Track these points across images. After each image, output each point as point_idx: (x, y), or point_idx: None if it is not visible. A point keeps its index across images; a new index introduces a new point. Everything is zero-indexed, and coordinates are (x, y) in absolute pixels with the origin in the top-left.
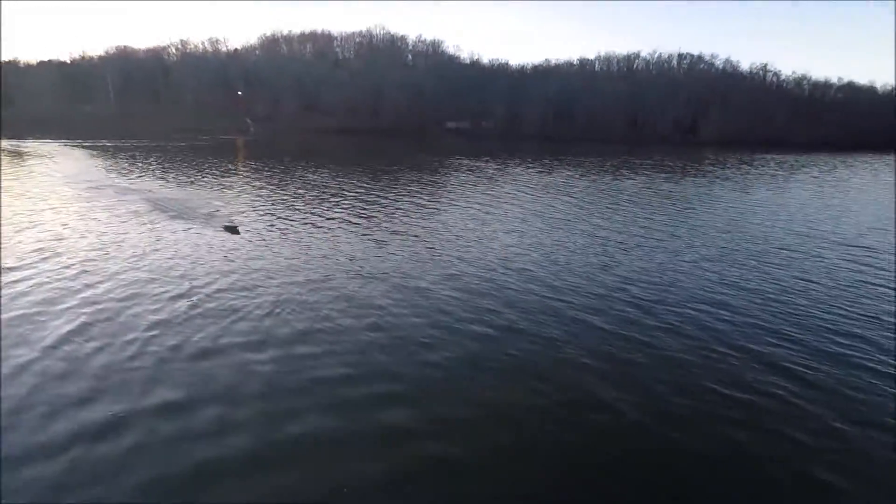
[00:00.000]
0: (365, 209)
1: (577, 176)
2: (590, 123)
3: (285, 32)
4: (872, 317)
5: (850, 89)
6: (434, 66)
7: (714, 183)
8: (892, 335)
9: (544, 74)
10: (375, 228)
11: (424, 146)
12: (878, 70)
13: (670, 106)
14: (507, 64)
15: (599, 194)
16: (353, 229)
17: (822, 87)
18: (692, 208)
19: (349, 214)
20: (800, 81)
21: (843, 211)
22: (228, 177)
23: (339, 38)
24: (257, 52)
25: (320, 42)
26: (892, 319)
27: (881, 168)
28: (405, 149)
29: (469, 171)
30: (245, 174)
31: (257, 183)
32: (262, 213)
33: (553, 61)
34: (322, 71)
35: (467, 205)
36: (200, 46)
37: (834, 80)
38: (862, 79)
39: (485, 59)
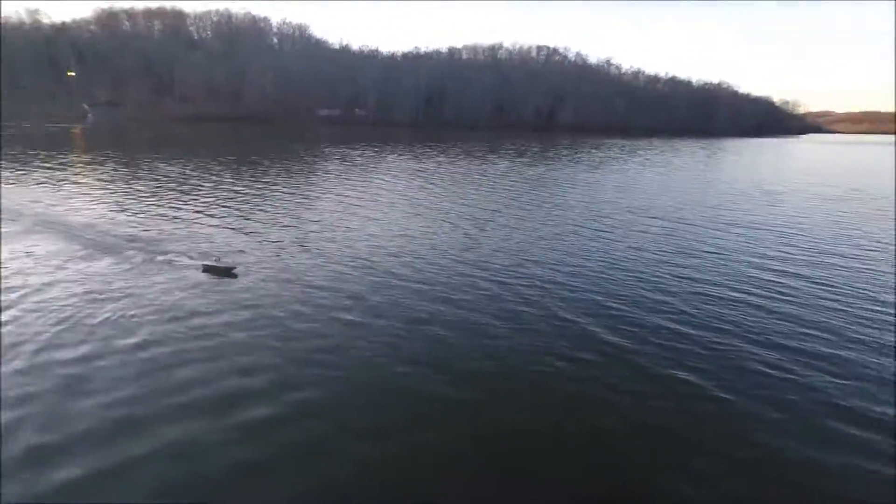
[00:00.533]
0: (228, 202)
1: (447, 162)
2: (459, 111)
3: (126, 7)
4: (685, 278)
5: (673, 83)
6: (302, 50)
7: (568, 166)
8: (704, 296)
9: (415, 62)
10: (241, 222)
11: (295, 134)
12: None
13: (532, 94)
14: (377, 51)
15: (467, 179)
16: (214, 224)
17: (653, 80)
18: (549, 190)
19: (209, 209)
20: (636, 74)
21: (666, 189)
22: (56, 171)
23: (192, 16)
24: (92, 27)
25: (170, 19)
26: (703, 277)
27: (696, 150)
28: (274, 137)
29: (342, 159)
30: (79, 169)
31: (95, 178)
32: (96, 213)
33: (423, 49)
34: (175, 52)
35: (339, 194)
36: (14, 16)
37: (662, 74)
38: (683, 74)
39: (354, 46)
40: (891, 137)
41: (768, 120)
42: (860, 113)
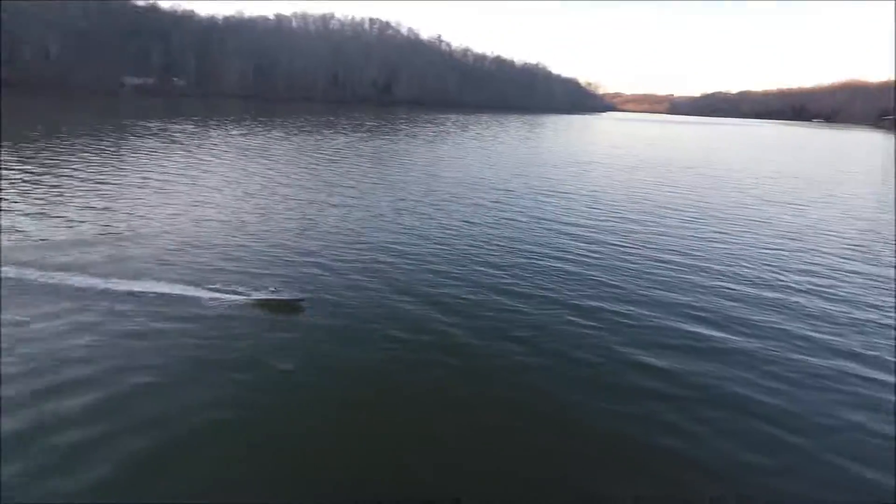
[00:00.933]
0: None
1: (281, 137)
2: (292, 82)
3: None
4: (512, 248)
5: (499, 62)
6: (95, 6)
7: (405, 140)
8: (528, 262)
9: (238, 28)
10: (28, 210)
11: (96, 105)
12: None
13: (367, 67)
14: (192, 13)
15: (303, 156)
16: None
17: (481, 58)
18: (387, 165)
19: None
20: (465, 52)
21: (496, 161)
22: None
23: None
24: None
25: None
26: (527, 247)
27: (520, 125)
28: (66, 109)
29: (158, 135)
30: None
31: None
32: None
33: (247, 14)
34: None
35: (155, 177)
36: None
37: (489, 53)
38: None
39: (165, 5)
40: (664, 116)
41: (576, 99)
42: (642, 95)
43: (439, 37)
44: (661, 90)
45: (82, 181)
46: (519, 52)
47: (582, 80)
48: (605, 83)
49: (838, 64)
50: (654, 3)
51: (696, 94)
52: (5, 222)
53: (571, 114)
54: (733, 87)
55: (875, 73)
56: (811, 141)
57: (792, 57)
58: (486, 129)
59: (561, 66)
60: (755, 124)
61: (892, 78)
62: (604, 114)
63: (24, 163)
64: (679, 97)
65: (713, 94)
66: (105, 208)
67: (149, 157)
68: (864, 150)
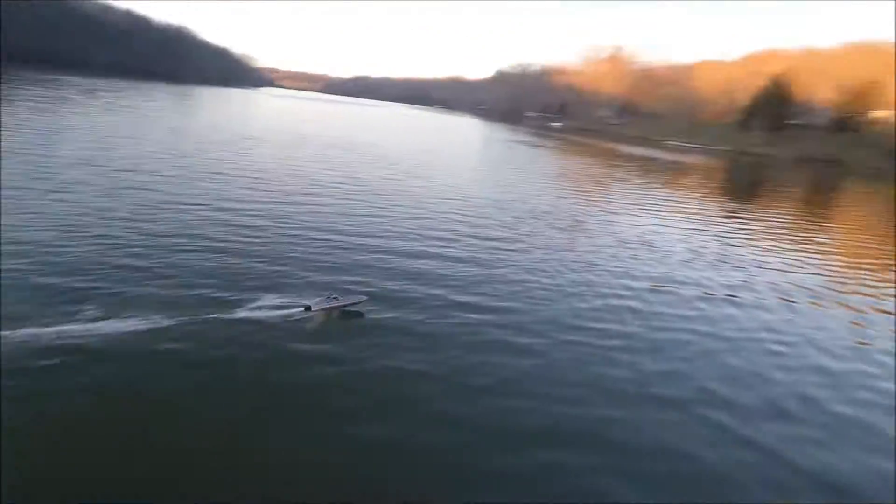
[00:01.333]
0: None
1: None
2: None
3: None
4: (158, 245)
5: (131, 17)
6: None
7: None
8: (185, 261)
9: None
10: None
11: None
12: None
13: None
14: None
15: None
16: None
17: (106, 10)
18: None
19: None
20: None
21: (140, 138)
22: None
23: None
24: None
25: None
26: (176, 240)
27: (166, 96)
28: None
29: None
30: None
31: None
32: None
33: None
34: None
35: None
36: None
37: (118, 5)
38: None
39: None
40: (320, 94)
41: (231, 71)
42: (299, 72)
43: None
44: (316, 69)
45: None
46: (157, 10)
47: (235, 52)
48: (260, 57)
49: (449, 61)
50: None
51: (348, 76)
52: None
53: (228, 87)
54: (376, 72)
55: (474, 72)
56: (435, 122)
57: (419, 50)
58: (123, 99)
59: (209, 33)
60: (394, 106)
61: (485, 77)
62: (262, 89)
63: None
64: (333, 77)
65: (362, 78)
66: None
67: None
68: (468, 130)
